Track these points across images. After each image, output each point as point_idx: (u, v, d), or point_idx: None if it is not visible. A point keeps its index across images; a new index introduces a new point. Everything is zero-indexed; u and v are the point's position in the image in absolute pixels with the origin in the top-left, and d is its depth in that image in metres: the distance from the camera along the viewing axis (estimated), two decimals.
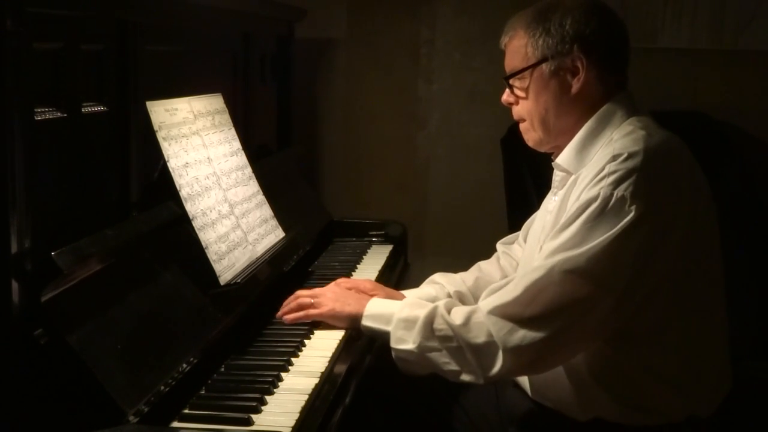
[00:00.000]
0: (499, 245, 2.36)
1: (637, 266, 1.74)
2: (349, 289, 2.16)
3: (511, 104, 2.00)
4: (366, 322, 1.95)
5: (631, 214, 1.71)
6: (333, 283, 2.14)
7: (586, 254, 1.72)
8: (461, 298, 2.22)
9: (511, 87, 1.98)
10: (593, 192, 1.75)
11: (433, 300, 2.20)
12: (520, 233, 2.30)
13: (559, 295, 1.73)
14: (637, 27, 3.44)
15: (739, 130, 3.41)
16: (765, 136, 3.44)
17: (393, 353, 1.88)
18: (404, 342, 1.86)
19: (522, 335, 1.75)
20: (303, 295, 2.07)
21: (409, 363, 1.87)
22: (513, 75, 1.95)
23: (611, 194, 1.73)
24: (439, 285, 2.25)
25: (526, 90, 1.94)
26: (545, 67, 1.90)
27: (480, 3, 3.59)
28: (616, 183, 1.74)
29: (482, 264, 2.32)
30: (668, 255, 1.76)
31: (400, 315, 1.89)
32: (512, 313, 1.76)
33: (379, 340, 1.95)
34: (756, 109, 3.43)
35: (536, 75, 1.91)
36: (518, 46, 1.94)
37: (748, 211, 3.28)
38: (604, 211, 1.73)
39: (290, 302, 2.08)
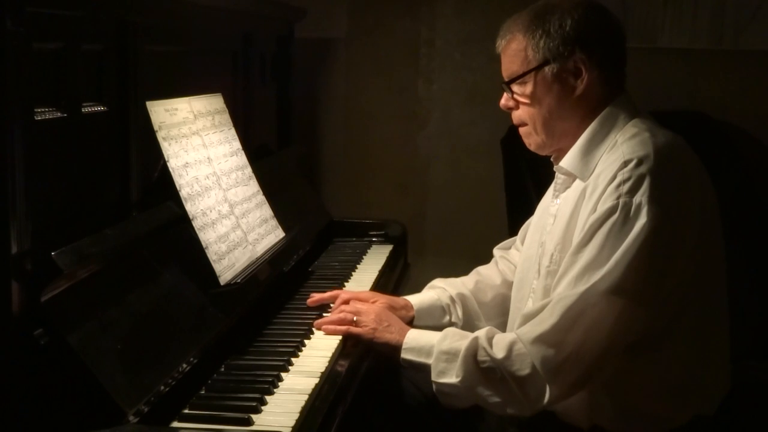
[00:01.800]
0: (496, 250, 2.35)
1: (662, 272, 1.74)
2: (350, 299, 2.16)
3: (510, 109, 1.98)
4: (406, 356, 1.92)
5: (652, 220, 1.71)
6: (370, 303, 2.11)
7: (617, 269, 1.71)
8: (463, 300, 2.22)
9: (511, 91, 1.95)
10: (610, 202, 1.74)
11: (436, 302, 2.21)
12: (518, 237, 2.29)
13: (598, 316, 1.72)
14: (637, 27, 3.44)
15: (739, 130, 3.41)
16: (765, 136, 3.44)
17: (435, 387, 1.87)
18: (446, 375, 1.85)
19: (566, 363, 1.74)
20: (346, 310, 2.04)
21: (452, 396, 1.86)
22: (515, 79, 1.92)
23: (629, 202, 1.72)
24: (441, 288, 2.25)
25: (527, 94, 1.91)
26: (548, 70, 1.87)
27: (480, 3, 3.59)
28: (632, 190, 1.73)
29: (480, 269, 2.31)
30: (684, 257, 1.76)
31: (440, 347, 1.87)
32: (554, 341, 1.74)
33: (419, 371, 1.91)
34: (756, 109, 3.43)
35: (539, 78, 1.88)
36: (517, 50, 1.91)
37: (748, 211, 3.28)
38: (626, 221, 1.72)
39: (332, 312, 2.07)
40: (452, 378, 1.84)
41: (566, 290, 1.76)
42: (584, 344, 1.73)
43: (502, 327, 2.20)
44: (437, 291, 2.25)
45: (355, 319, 2.01)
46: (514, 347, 1.78)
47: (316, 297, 2.20)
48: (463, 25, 3.65)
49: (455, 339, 1.87)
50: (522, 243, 2.25)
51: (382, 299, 2.18)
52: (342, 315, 2.02)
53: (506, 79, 1.95)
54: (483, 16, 3.57)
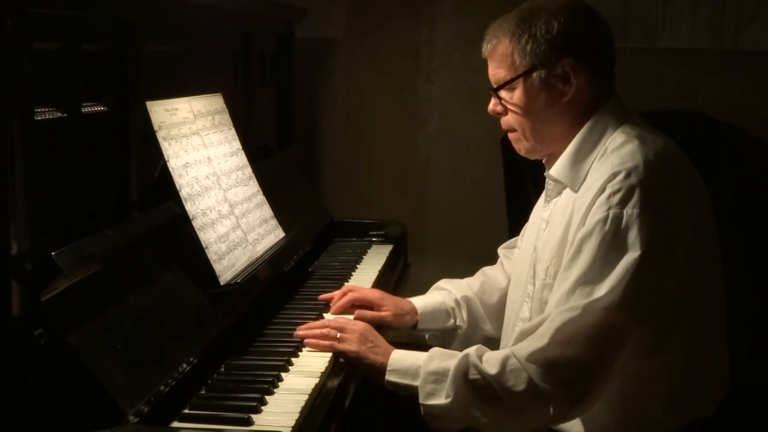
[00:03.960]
0: (500, 250, 2.34)
1: (658, 283, 1.71)
2: (358, 300, 2.15)
3: (498, 114, 1.94)
4: (390, 378, 1.83)
5: (646, 233, 1.68)
6: (358, 321, 2.01)
7: (618, 287, 1.67)
8: (468, 303, 2.20)
9: (499, 97, 1.91)
10: (600, 214, 1.70)
11: (440, 306, 2.19)
12: (519, 237, 2.27)
13: (597, 331, 1.68)
14: (637, 27, 3.44)
15: (739, 130, 3.42)
16: (765, 136, 3.45)
17: (422, 409, 1.78)
18: (435, 397, 1.76)
19: (568, 376, 1.69)
20: (331, 326, 1.95)
21: (442, 419, 1.78)
22: (502, 86, 1.89)
23: (621, 213, 1.69)
24: (446, 291, 2.23)
25: (515, 100, 1.87)
26: (535, 76, 1.84)
27: (480, 3, 3.60)
28: (623, 201, 1.70)
29: (487, 269, 2.30)
30: (678, 265, 1.74)
31: (427, 368, 1.79)
32: (552, 356, 1.69)
33: (405, 394, 1.82)
34: (756, 109, 3.43)
35: (527, 84, 1.85)
36: (504, 55, 1.88)
37: (748, 211, 3.29)
38: (618, 233, 1.69)
39: (315, 326, 1.97)
40: (441, 399, 1.76)
41: (562, 305, 1.71)
42: (585, 359, 1.69)
43: None
44: (442, 294, 2.23)
45: (339, 335, 1.91)
46: (507, 362, 1.72)
47: (327, 296, 2.20)
48: (463, 25, 3.65)
49: (443, 359, 1.79)
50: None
51: (390, 302, 2.16)
52: (326, 331, 1.92)
53: (494, 85, 1.92)
54: (483, 16, 3.52)
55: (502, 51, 1.89)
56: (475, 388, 1.74)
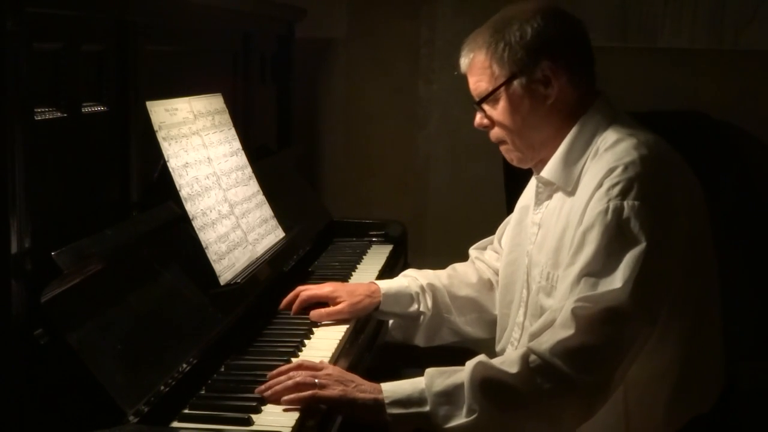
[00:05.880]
0: (471, 251, 2.34)
1: (661, 276, 1.70)
2: (311, 298, 2.12)
3: (486, 127, 1.95)
4: (393, 410, 1.64)
5: (648, 225, 1.67)
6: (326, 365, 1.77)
7: (629, 281, 1.65)
8: (434, 291, 2.19)
9: (483, 110, 1.92)
10: (600, 206, 1.69)
11: (405, 289, 2.18)
12: (495, 237, 2.27)
13: (610, 318, 1.65)
14: (637, 27, 3.44)
15: (739, 130, 3.41)
16: (765, 136, 3.44)
17: None
18: (456, 417, 1.63)
19: (593, 362, 1.65)
20: (302, 373, 1.70)
21: None
22: (485, 98, 1.89)
23: (621, 205, 1.68)
24: (412, 277, 2.22)
25: (500, 110, 1.88)
26: (516, 83, 1.85)
27: (480, 3, 3.59)
28: (622, 194, 1.69)
29: (456, 265, 2.29)
30: (677, 258, 1.73)
31: (434, 389, 1.65)
32: (576, 345, 1.64)
33: (413, 425, 1.67)
34: (756, 109, 3.43)
35: (509, 93, 1.86)
36: (483, 67, 1.88)
37: (748, 211, 3.29)
38: (620, 224, 1.68)
39: (281, 380, 1.68)
40: (462, 418, 1.63)
41: (569, 297, 1.69)
42: (605, 345, 1.66)
43: (475, 323, 2.20)
44: (408, 279, 2.22)
45: (316, 381, 1.67)
46: (528, 359, 1.65)
47: (284, 301, 2.16)
48: (463, 25, 3.63)
49: (445, 376, 1.67)
50: (500, 243, 2.23)
51: (342, 292, 2.13)
52: (300, 380, 1.67)
53: (476, 99, 1.92)
54: (483, 16, 3.50)
55: (480, 63, 1.90)
56: (500, 395, 1.65)
